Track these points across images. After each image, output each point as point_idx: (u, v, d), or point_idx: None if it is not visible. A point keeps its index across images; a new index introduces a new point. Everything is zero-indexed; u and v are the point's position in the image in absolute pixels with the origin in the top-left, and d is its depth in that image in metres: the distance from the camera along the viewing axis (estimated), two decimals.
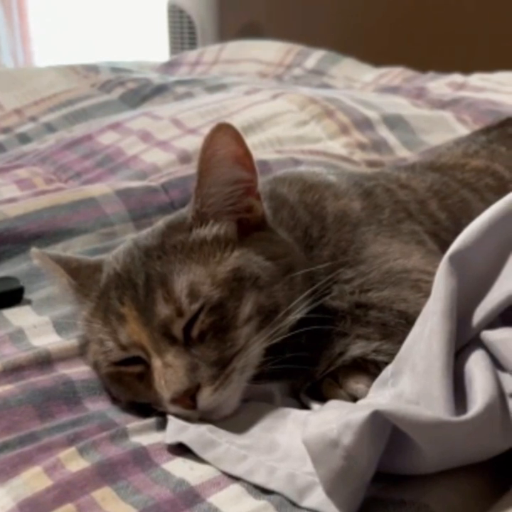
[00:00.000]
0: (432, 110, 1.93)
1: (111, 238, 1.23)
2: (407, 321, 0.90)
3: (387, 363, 0.88)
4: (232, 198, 0.89)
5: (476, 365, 0.72)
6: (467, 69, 2.30)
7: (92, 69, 2.25)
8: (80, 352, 0.96)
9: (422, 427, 0.65)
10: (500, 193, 1.13)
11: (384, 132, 1.74)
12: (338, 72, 2.45)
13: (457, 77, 2.24)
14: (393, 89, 2.12)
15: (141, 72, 2.29)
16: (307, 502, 0.72)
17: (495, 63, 2.29)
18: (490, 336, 0.72)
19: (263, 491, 0.74)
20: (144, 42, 3.60)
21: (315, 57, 2.50)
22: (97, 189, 1.31)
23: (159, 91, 2.04)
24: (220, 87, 2.04)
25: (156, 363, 0.83)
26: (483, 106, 1.94)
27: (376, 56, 2.60)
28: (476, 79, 2.21)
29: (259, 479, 0.75)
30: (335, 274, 0.92)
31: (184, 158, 1.54)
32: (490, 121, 1.66)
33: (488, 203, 1.12)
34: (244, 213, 0.91)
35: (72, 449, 0.79)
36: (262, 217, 0.92)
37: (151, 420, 0.85)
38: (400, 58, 2.50)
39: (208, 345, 0.84)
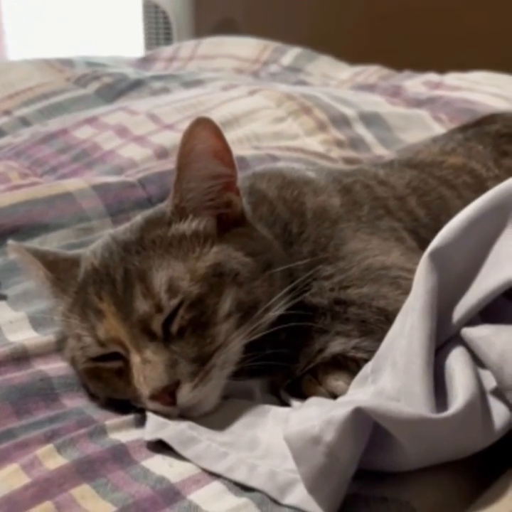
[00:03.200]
0: (408, 109, 1.93)
1: (88, 233, 1.22)
2: (387, 318, 0.90)
3: (366, 360, 0.87)
4: (212, 193, 0.89)
5: (457, 361, 0.72)
6: (442, 68, 2.31)
7: (67, 63, 2.23)
8: (57, 348, 0.95)
9: (403, 424, 0.65)
10: (478, 191, 1.14)
11: (361, 130, 1.74)
12: (314, 69, 2.44)
13: (433, 77, 2.24)
14: (369, 87, 2.12)
15: (116, 66, 2.27)
16: (288, 499, 0.72)
17: (470, 63, 2.30)
18: (470, 333, 0.72)
19: (244, 489, 0.74)
20: (118, 37, 3.58)
21: (291, 54, 2.50)
22: (73, 184, 1.30)
23: (135, 86, 2.03)
24: (197, 83, 2.02)
25: (135, 359, 0.83)
26: (458, 105, 1.95)
27: (351, 54, 2.60)
28: (452, 78, 2.21)
29: (240, 476, 0.75)
30: (314, 270, 0.91)
31: (161, 153, 1.53)
32: (465, 120, 1.66)
33: (465, 201, 1.13)
34: (224, 209, 0.90)
35: (50, 446, 0.78)
36: (241, 212, 0.92)
37: (129, 417, 0.85)
38: (375, 57, 2.50)
39: (188, 341, 0.83)
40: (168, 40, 3.45)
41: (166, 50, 2.69)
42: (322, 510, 0.68)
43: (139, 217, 0.92)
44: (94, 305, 0.85)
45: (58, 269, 0.92)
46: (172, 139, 1.56)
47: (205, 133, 0.86)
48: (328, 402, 0.78)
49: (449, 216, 1.08)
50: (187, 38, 3.26)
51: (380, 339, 0.88)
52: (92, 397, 0.90)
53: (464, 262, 0.75)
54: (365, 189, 1.05)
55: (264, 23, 3.24)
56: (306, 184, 1.01)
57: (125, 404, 0.86)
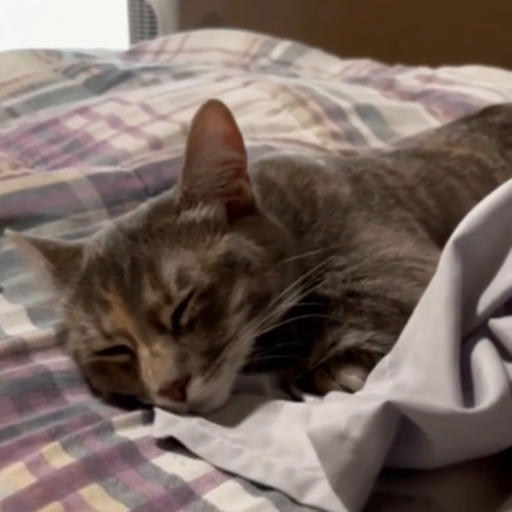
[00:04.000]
0: (403, 102, 1.90)
1: (83, 225, 1.18)
2: (401, 310, 0.87)
3: (381, 354, 0.85)
4: (222, 180, 0.85)
5: (483, 354, 0.69)
6: (433, 62, 2.29)
7: (55, 54, 2.18)
8: (58, 341, 0.92)
9: (434, 419, 0.62)
10: (485, 182, 1.12)
11: (356, 122, 1.71)
12: (304, 63, 2.41)
13: (425, 70, 2.22)
14: (362, 81, 2.09)
15: (105, 58, 2.23)
16: (308, 498, 0.68)
17: (460, 57, 2.27)
18: (499, 324, 0.69)
19: (260, 488, 0.70)
20: (103, 31, 3.53)
21: (281, 47, 2.46)
22: (68, 173, 1.26)
23: (125, 77, 1.98)
24: (188, 75, 1.98)
25: (143, 352, 0.79)
26: (453, 98, 1.93)
27: (339, 49, 2.57)
28: (444, 72, 2.18)
29: (256, 475, 0.71)
30: (327, 261, 0.88)
31: (155, 144, 1.49)
32: (461, 114, 1.65)
33: (474, 192, 1.11)
34: (234, 196, 0.87)
35: (56, 444, 0.75)
36: (251, 200, 0.88)
37: (136, 413, 0.81)
38: (364, 51, 2.47)
39: (198, 333, 0.80)
40: (153, 34, 3.40)
41: (153, 43, 2.65)
42: (347, 511, 0.65)
43: (144, 205, 0.88)
44: (100, 296, 0.81)
45: (59, 259, 0.88)
46: (166, 129, 1.53)
47: (216, 116, 0.82)
48: (349, 397, 0.74)
49: (459, 207, 1.07)
50: (172, 31, 3.22)
51: (394, 332, 0.85)
52: (95, 392, 0.86)
53: (487, 251, 0.72)
54: (374, 178, 1.02)
55: (249, 17, 3.20)
56: (316, 172, 0.98)
57: (130, 400, 0.83)
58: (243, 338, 0.82)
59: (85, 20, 3.56)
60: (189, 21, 3.38)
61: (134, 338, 0.80)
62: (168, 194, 0.88)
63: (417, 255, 0.92)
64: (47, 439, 0.76)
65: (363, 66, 2.35)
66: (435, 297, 0.71)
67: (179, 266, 0.80)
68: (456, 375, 0.67)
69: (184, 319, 0.79)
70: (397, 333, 0.84)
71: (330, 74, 2.33)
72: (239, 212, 0.87)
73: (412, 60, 2.34)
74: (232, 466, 0.73)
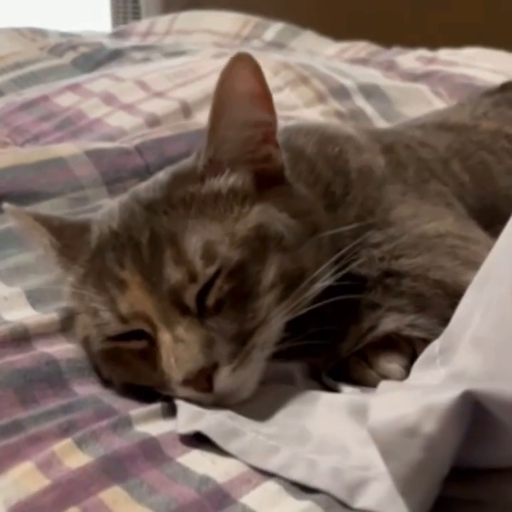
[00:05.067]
0: (406, 83, 1.83)
1: (82, 203, 1.09)
2: (445, 291, 0.79)
3: (423, 340, 0.77)
4: (251, 144, 0.77)
5: None
6: (430, 45, 2.21)
7: (39, 32, 2.08)
8: (62, 327, 0.83)
9: None
10: None
11: (361, 102, 1.63)
12: (298, 45, 2.32)
13: (425, 52, 2.14)
14: (362, 61, 2.02)
15: (92, 38, 2.13)
16: (361, 502, 0.60)
17: (459, 40, 2.20)
18: None
19: (304, 489, 0.62)
20: (84, 13, 3.41)
21: (274, 29, 2.37)
22: (65, 149, 1.16)
23: (115, 56, 1.88)
24: (180, 54, 1.89)
25: (164, 337, 0.70)
26: (457, 80, 1.86)
27: (330, 32, 2.49)
28: (446, 54, 2.12)
29: (298, 475, 0.63)
30: (363, 238, 0.80)
31: (153, 122, 1.40)
32: (466, 96, 1.58)
33: (507, 167, 1.03)
34: (262, 164, 0.78)
35: (68, 441, 0.66)
36: (280, 168, 0.79)
37: (155, 406, 0.72)
38: (356, 35, 2.39)
39: (226, 316, 0.71)
40: (136, 17, 3.30)
41: (141, 25, 2.55)
42: None
43: (161, 174, 0.80)
44: (115, 274, 0.72)
45: (65, 236, 0.79)
46: (164, 107, 1.44)
47: (246, 72, 0.74)
48: (409, 387, 0.66)
49: (493, 183, 0.99)
50: (156, 14, 3.12)
51: (437, 315, 0.78)
52: (106, 383, 0.77)
53: None
54: (406, 149, 0.94)
55: (233, 2, 3.10)
56: (347, 140, 0.90)
57: (146, 392, 0.74)
58: (274, 321, 0.73)
59: (66, 2, 3.44)
60: (173, 4, 3.27)
61: (153, 322, 0.71)
62: (188, 161, 0.79)
63: (459, 232, 0.84)
64: (58, 435, 0.67)
65: (360, 48, 2.26)
66: (501, 274, 0.63)
67: (205, 240, 0.71)
68: None
69: (210, 300, 0.71)
70: (440, 316, 0.78)
71: (325, 56, 2.24)
72: (267, 182, 0.78)
73: (408, 43, 2.27)
74: (269, 465, 0.64)
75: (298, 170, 0.83)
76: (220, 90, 0.74)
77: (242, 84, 0.74)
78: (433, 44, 2.20)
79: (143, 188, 0.79)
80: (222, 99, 0.74)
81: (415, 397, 0.56)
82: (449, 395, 0.53)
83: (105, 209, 0.81)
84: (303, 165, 0.84)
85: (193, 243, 0.71)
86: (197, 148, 0.78)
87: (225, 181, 0.75)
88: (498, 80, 1.84)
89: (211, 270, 0.70)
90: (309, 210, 0.78)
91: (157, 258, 0.71)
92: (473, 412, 0.55)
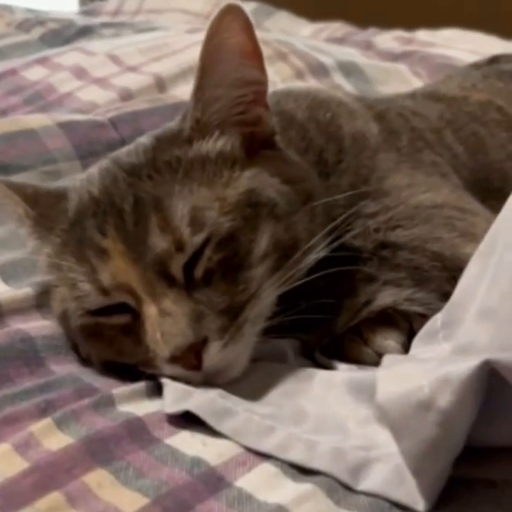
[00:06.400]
0: (385, 62, 1.79)
1: (55, 177, 1.04)
2: (443, 264, 0.76)
3: (421, 315, 0.73)
4: (241, 105, 0.72)
5: None
6: (408, 26, 2.18)
7: (6, 8, 2.01)
8: (38, 303, 0.78)
9: None
10: (509, 129, 1.01)
11: (340, 80, 1.59)
12: (272, 25, 2.27)
13: (403, 33, 2.11)
14: (339, 41, 1.97)
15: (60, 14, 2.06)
16: (365, 484, 0.56)
17: (436, 21, 2.17)
18: None
19: (303, 472, 0.58)
20: None
21: (247, 8, 2.29)
22: (36, 120, 1.10)
23: (84, 32, 1.82)
24: (152, 31, 1.83)
25: (150, 310, 0.65)
26: (436, 60, 1.83)
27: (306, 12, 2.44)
28: (423, 35, 2.08)
29: (297, 456, 0.59)
30: (357, 207, 0.75)
31: (126, 96, 1.34)
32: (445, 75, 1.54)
33: (499, 140, 0.99)
34: (252, 126, 0.73)
35: (47, 421, 0.61)
36: (271, 132, 0.75)
37: (139, 385, 0.68)
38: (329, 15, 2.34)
39: (216, 288, 0.66)
40: None
41: (109, 4, 2.47)
42: (423, 500, 0.52)
43: (143, 138, 0.75)
44: (95, 243, 0.67)
45: (41, 205, 0.74)
46: (138, 81, 1.38)
47: (236, 25, 0.69)
48: (424, 358, 0.61)
49: (486, 155, 0.95)
50: None
51: (435, 289, 0.75)
52: (85, 361, 0.72)
53: None
54: (399, 118, 0.90)
55: None
56: (339, 106, 0.85)
57: (128, 370, 0.69)
58: (266, 294, 0.69)
59: None
60: None
61: (137, 294, 0.66)
62: (172, 124, 0.74)
63: (456, 203, 0.80)
64: (35, 415, 0.62)
65: (336, 29, 2.22)
66: (510, 241, 0.59)
67: (193, 205, 0.66)
68: None
69: (199, 271, 0.66)
70: (438, 290, 0.74)
71: (301, 37, 2.20)
72: (257, 146, 0.73)
73: (384, 24, 2.23)
74: (265, 446, 0.60)
75: (288, 135, 0.79)
76: (208, 45, 0.69)
77: (231, 39, 0.69)
78: (410, 26, 2.16)
79: (124, 152, 0.74)
80: (210, 55, 0.69)
81: (428, 368, 0.52)
82: (467, 365, 0.49)
83: (84, 175, 0.76)
84: (293, 130, 0.80)
85: (180, 209, 0.66)
86: (183, 110, 0.73)
87: (214, 144, 0.71)
88: (477, 60, 1.81)
89: (199, 238, 0.66)
90: (302, 177, 0.74)
91: (141, 225, 0.66)
92: (488, 385, 0.52)
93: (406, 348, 0.72)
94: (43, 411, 0.62)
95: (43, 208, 0.73)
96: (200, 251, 0.66)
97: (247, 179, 0.69)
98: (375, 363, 0.71)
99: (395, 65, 1.77)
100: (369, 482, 0.56)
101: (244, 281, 0.67)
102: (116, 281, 0.66)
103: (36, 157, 1.05)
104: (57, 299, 0.72)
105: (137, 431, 0.61)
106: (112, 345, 0.69)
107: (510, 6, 2.51)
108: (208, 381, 0.66)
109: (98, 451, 0.58)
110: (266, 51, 1.55)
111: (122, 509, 0.53)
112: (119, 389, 0.66)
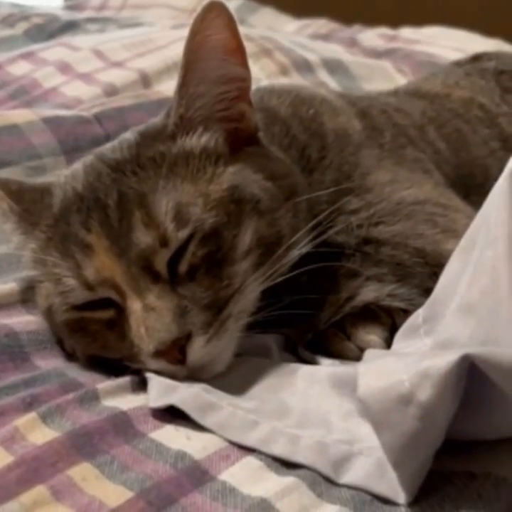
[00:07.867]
0: (369, 59, 1.80)
1: (39, 173, 1.03)
2: (425, 260, 0.76)
3: (403, 311, 0.74)
4: (224, 101, 0.73)
5: None
6: (392, 24, 2.18)
7: None
8: (23, 298, 0.78)
9: None
10: (490, 127, 1.02)
11: (324, 77, 1.59)
12: (257, 21, 2.27)
13: (387, 30, 2.12)
14: (324, 38, 1.98)
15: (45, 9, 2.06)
16: (347, 478, 0.57)
17: (420, 19, 2.18)
18: None
19: (286, 465, 0.59)
20: None
21: (231, 5, 2.25)
22: (20, 115, 1.10)
23: (69, 28, 1.82)
24: (137, 26, 1.83)
25: (134, 305, 0.66)
26: (419, 57, 1.84)
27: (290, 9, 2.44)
28: (407, 32, 2.09)
29: (280, 450, 0.59)
30: (340, 203, 0.76)
31: (111, 92, 1.34)
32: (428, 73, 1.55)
33: (481, 137, 1.00)
34: (236, 122, 0.73)
35: (32, 415, 0.61)
36: (254, 128, 0.75)
37: (124, 380, 0.68)
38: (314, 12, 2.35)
39: (200, 283, 0.67)
40: None
41: None
42: (404, 493, 0.53)
43: (127, 134, 0.75)
44: (80, 238, 0.67)
45: (25, 200, 0.74)
46: (122, 77, 1.38)
47: (219, 22, 0.69)
48: (405, 353, 0.62)
49: (468, 152, 0.96)
50: None
51: (418, 285, 0.75)
52: (69, 356, 0.73)
53: None
54: (382, 114, 0.90)
55: None
56: (322, 102, 0.86)
57: (112, 365, 0.69)
58: (250, 289, 0.70)
59: None
60: None
61: (122, 289, 0.66)
62: (156, 120, 0.74)
63: (438, 199, 0.81)
64: (20, 409, 0.62)
65: (321, 25, 2.22)
66: (491, 237, 0.59)
67: (177, 201, 0.67)
68: None
69: (183, 266, 0.67)
70: (420, 286, 0.75)
71: (286, 33, 2.20)
72: (241, 142, 0.74)
73: (369, 21, 2.24)
74: (249, 440, 0.61)
75: (272, 132, 0.79)
76: (192, 42, 0.69)
77: (215, 36, 0.70)
78: (394, 23, 2.17)
79: (109, 148, 0.74)
80: (193, 52, 0.69)
81: (409, 363, 0.52)
82: (446, 359, 0.50)
83: (68, 171, 0.76)
84: (277, 127, 0.81)
85: (164, 205, 0.66)
86: (167, 107, 0.73)
87: (198, 140, 0.71)
88: (460, 57, 1.82)
89: (184, 234, 0.66)
90: (285, 173, 0.74)
91: (125, 221, 0.66)
92: (468, 379, 0.52)
93: (388, 343, 0.73)
94: (28, 405, 0.63)
95: (27, 204, 0.74)
96: (184, 246, 0.66)
97: (231, 175, 0.70)
98: (358, 357, 0.72)
99: (379, 62, 1.78)
100: (351, 475, 0.57)
101: (228, 276, 0.68)
102: (101, 276, 0.66)
103: (21, 152, 1.05)
104: (42, 294, 0.72)
105: (122, 425, 0.61)
106: (96, 340, 0.69)
107: (494, 4, 2.53)
108: (192, 376, 0.67)
109: (83, 445, 0.58)
110: (250, 47, 1.58)
111: (107, 503, 0.53)
112: (104, 383, 0.67)
